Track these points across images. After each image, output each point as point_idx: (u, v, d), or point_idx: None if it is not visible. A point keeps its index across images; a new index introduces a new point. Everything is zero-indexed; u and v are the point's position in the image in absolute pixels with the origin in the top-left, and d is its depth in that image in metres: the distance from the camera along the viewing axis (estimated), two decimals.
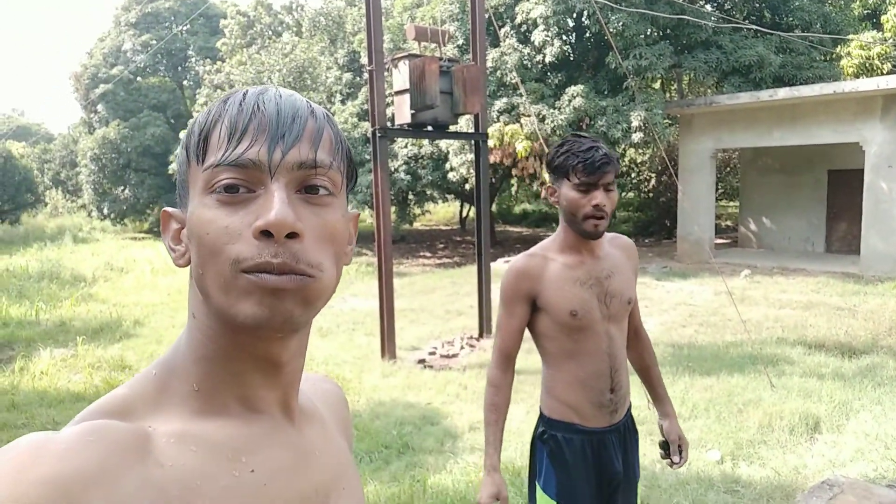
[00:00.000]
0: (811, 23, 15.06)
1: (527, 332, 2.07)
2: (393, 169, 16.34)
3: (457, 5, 15.14)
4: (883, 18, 14.55)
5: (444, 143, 15.30)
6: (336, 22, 21.48)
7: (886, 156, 11.42)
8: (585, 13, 14.04)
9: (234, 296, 0.57)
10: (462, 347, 7.48)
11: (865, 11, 17.36)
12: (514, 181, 21.16)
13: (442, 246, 21.55)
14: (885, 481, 3.25)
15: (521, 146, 12.96)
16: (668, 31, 14.67)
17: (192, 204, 0.62)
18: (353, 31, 19.96)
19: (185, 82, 31.00)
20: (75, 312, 10.08)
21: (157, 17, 29.11)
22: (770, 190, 15.28)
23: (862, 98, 11.53)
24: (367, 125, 14.78)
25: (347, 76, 19.35)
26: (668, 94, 18.24)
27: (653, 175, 20.91)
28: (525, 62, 14.40)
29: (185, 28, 28.89)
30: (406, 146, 16.60)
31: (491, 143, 12.29)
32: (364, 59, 15.31)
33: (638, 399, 4.14)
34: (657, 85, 17.88)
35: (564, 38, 14.71)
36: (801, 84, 13.83)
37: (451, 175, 15.26)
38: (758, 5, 16.02)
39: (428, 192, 18.93)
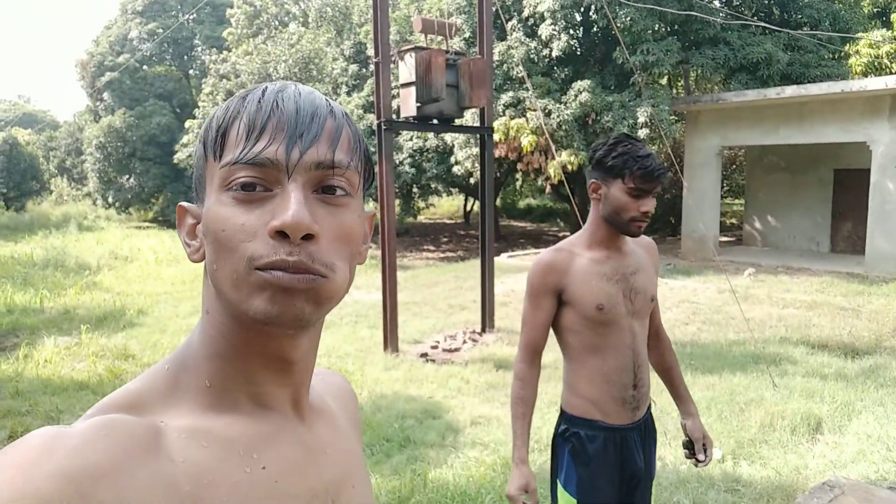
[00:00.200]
0: (820, 20, 14.98)
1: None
2: (398, 162, 16.33)
3: None
4: (893, 17, 14.47)
5: (449, 137, 15.27)
6: (342, 13, 21.42)
7: (893, 156, 11.36)
8: (593, 7, 13.99)
9: (247, 292, 0.58)
10: (464, 342, 7.48)
11: (875, 10, 17.24)
12: (518, 175, 21.15)
13: (446, 240, 21.55)
14: (886, 483, 3.24)
15: (527, 141, 12.93)
16: (676, 26, 14.60)
17: (208, 200, 0.62)
18: (359, 23, 19.91)
19: (191, 71, 31.00)
20: (79, 301, 10.12)
21: (164, 5, 29.09)
22: (775, 188, 15.22)
23: (870, 97, 11.46)
24: (372, 117, 14.75)
25: (353, 68, 19.32)
26: (674, 91, 18.16)
27: None
28: (532, 56, 14.36)
29: (191, 17, 28.85)
30: (411, 139, 16.58)
31: (496, 137, 12.26)
32: (370, 51, 15.29)
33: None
34: (664, 81, 17.81)
35: (572, 32, 14.65)
36: (808, 82, 13.76)
37: (455, 168, 15.24)
38: (767, 2, 15.92)
39: (432, 186, 18.92)
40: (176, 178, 25.35)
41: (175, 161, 23.05)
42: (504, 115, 13.63)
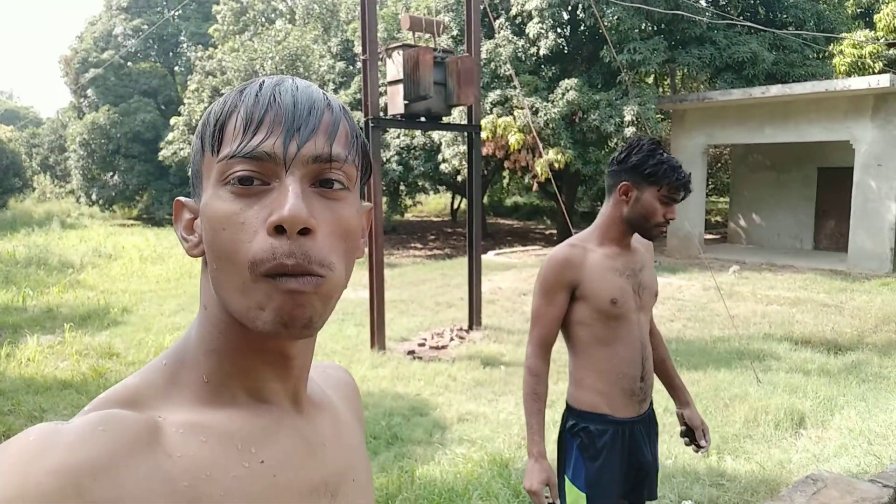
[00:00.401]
0: (805, 20, 15.12)
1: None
2: (385, 159, 16.30)
3: None
4: (876, 17, 14.63)
5: (436, 135, 15.27)
6: (330, 10, 21.36)
7: (876, 154, 11.50)
8: (580, 6, 14.03)
9: (255, 302, 0.57)
10: (452, 339, 7.49)
11: (858, 10, 17.43)
12: (506, 173, 21.16)
13: (433, 237, 21.55)
14: (867, 476, 3.28)
15: (514, 139, 12.96)
16: (663, 25, 14.68)
17: (206, 195, 0.61)
18: (346, 20, 19.85)
19: (176, 68, 30.76)
20: (63, 299, 10.02)
21: (149, 1, 28.83)
22: (760, 186, 15.36)
23: (853, 97, 11.59)
24: (359, 115, 14.72)
25: (340, 65, 19.26)
26: (661, 89, 18.28)
27: None
28: (519, 54, 14.38)
29: (176, 13, 28.63)
30: (398, 137, 16.56)
31: (484, 135, 12.27)
32: (358, 48, 15.23)
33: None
34: (650, 80, 17.88)
35: (559, 30, 14.69)
36: (793, 81, 13.89)
37: (443, 166, 15.24)
38: (752, 2, 16.04)
39: (420, 183, 18.91)
40: (160, 175, 25.13)
41: (160, 158, 22.86)
42: (491, 113, 13.65)
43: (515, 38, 14.47)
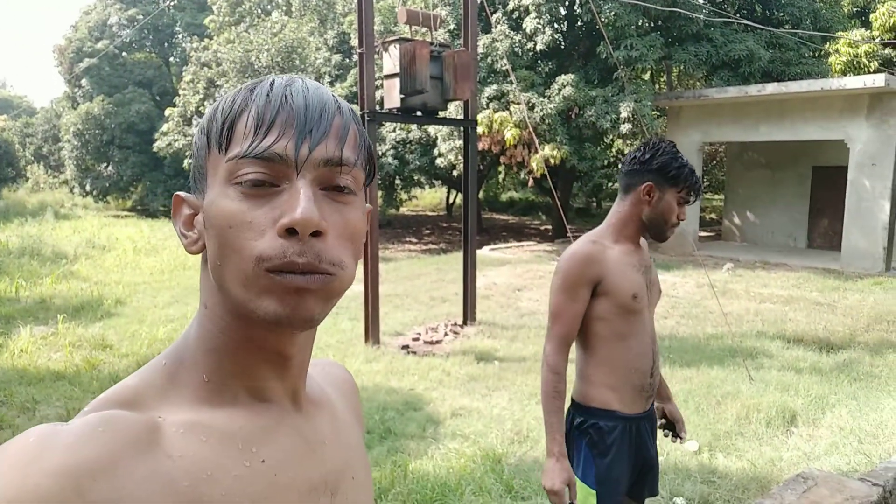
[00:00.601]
0: (801, 19, 15.14)
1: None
2: (380, 153, 16.27)
3: None
4: (872, 16, 14.65)
5: (432, 129, 15.24)
6: (326, 2, 21.25)
7: (870, 154, 11.54)
8: (578, 2, 14.01)
9: (256, 292, 0.57)
10: (446, 334, 7.50)
11: (855, 9, 17.46)
12: (501, 169, 21.16)
13: (428, 232, 21.54)
14: (857, 475, 3.31)
15: (510, 134, 12.95)
16: (660, 22, 14.67)
17: (211, 192, 0.61)
18: (343, 13, 19.78)
19: (171, 59, 30.59)
20: (56, 290, 9.98)
21: None
22: (755, 184, 15.40)
23: (848, 96, 11.62)
24: (355, 108, 14.67)
25: (337, 58, 19.19)
26: (657, 86, 18.28)
27: None
28: (516, 49, 14.36)
29: (172, 3, 28.44)
30: (394, 130, 16.52)
31: (480, 129, 12.27)
32: (354, 41, 15.19)
33: None
34: (647, 76, 17.89)
35: (556, 26, 14.67)
36: (789, 80, 13.91)
37: (438, 161, 15.22)
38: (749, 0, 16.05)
39: (415, 178, 18.89)
40: (155, 166, 25.02)
41: (154, 150, 22.74)
42: (488, 108, 13.63)
43: (512, 32, 14.44)
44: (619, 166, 2.16)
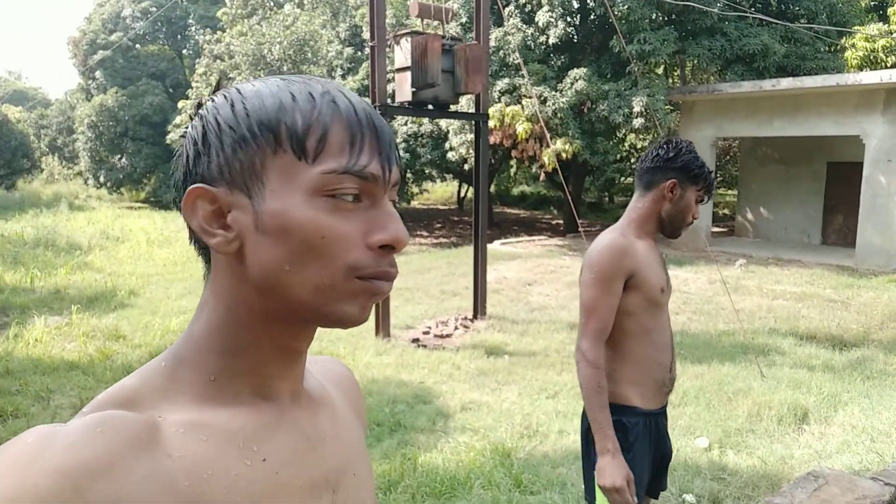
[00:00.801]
0: (817, 13, 14.96)
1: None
2: None
3: None
4: (889, 11, 14.48)
5: (444, 122, 15.21)
6: None
7: (886, 150, 11.41)
8: None
9: (336, 297, 0.60)
10: (456, 328, 7.51)
11: (872, 3, 17.24)
12: (513, 163, 21.11)
13: (439, 225, 21.54)
14: (869, 474, 3.29)
15: (522, 128, 12.90)
16: (674, 16, 14.55)
17: (284, 198, 0.59)
18: (355, 6, 19.74)
19: (184, 51, 30.72)
20: (70, 281, 10.07)
21: None
22: (769, 180, 15.28)
23: (864, 91, 11.49)
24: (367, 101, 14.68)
25: (349, 51, 19.18)
26: (670, 81, 18.14)
27: None
28: (528, 43, 14.29)
29: None
30: (406, 124, 16.51)
31: (491, 123, 12.23)
32: (366, 34, 15.16)
33: None
34: (660, 70, 17.78)
35: (569, 19, 14.58)
36: (804, 75, 13.77)
37: (450, 154, 15.20)
38: None
39: (426, 171, 18.88)
40: (168, 158, 25.14)
41: (167, 142, 22.89)
42: (499, 101, 13.58)
43: (525, 26, 14.36)
44: (638, 163, 2.16)
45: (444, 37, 7.11)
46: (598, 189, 25.63)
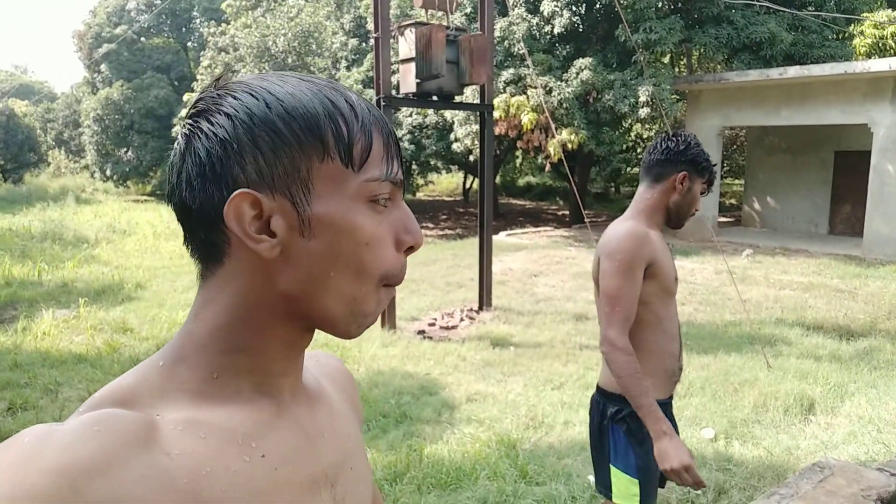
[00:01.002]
0: (825, 1, 14.81)
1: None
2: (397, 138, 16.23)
3: None
4: None
5: (449, 114, 15.18)
6: None
7: (894, 138, 11.32)
8: None
9: (365, 307, 0.64)
10: (462, 319, 7.51)
11: None
12: (518, 153, 21.06)
13: (444, 217, 21.52)
14: (875, 464, 3.28)
15: (527, 118, 12.86)
16: (679, 4, 14.44)
17: (332, 204, 0.60)
18: None
19: (189, 44, 30.69)
20: (77, 274, 10.13)
21: None
22: (776, 169, 15.19)
23: (873, 79, 11.39)
24: (371, 93, 14.66)
25: (353, 42, 19.14)
26: (676, 70, 18.02)
27: None
28: (533, 32, 14.21)
29: None
30: (410, 115, 16.48)
31: (496, 114, 12.19)
32: (370, 26, 15.12)
33: None
34: (666, 60, 17.65)
35: (574, 8, 14.48)
36: (811, 63, 13.64)
37: (455, 146, 15.17)
38: None
39: (432, 163, 18.85)
40: None
41: (173, 135, 22.90)
42: (504, 92, 13.53)
43: (529, 15, 14.28)
44: (646, 155, 2.17)
45: (448, 27, 7.08)
46: (603, 179, 25.56)
